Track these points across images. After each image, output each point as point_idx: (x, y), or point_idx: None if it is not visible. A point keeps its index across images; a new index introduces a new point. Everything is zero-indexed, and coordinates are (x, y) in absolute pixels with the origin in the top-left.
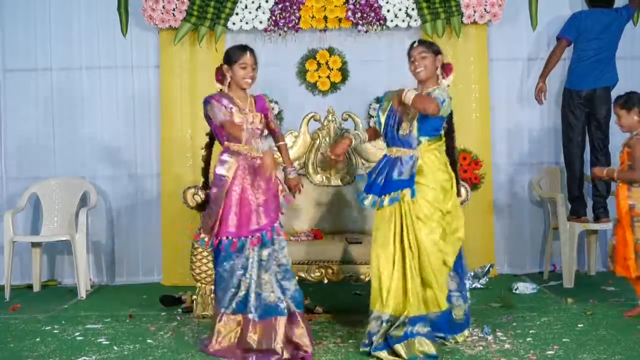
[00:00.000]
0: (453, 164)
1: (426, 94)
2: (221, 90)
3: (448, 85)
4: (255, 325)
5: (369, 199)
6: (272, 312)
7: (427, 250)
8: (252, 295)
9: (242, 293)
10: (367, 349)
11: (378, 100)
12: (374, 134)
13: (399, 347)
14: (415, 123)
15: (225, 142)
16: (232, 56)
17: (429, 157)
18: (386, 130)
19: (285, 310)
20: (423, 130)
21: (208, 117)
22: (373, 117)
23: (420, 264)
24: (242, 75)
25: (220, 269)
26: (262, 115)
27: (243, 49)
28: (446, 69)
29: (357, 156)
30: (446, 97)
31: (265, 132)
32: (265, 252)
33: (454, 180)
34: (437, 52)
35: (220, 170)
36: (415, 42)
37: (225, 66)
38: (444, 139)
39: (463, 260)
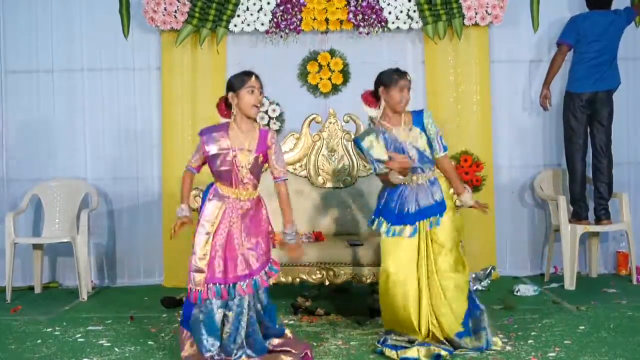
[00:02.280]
0: None
1: (413, 127)
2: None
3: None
4: None
5: (407, 229)
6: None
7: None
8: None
9: (226, 335)
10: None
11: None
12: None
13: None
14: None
15: (215, 181)
16: (236, 82)
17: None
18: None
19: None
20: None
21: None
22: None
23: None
24: (250, 100)
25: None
26: (261, 156)
27: (247, 73)
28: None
29: (358, 158)
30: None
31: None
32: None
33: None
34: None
35: (204, 218)
36: (399, 70)
37: (230, 94)
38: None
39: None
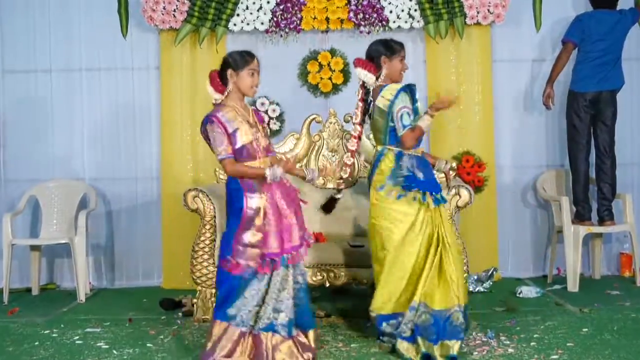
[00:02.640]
0: None
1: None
2: (221, 101)
3: None
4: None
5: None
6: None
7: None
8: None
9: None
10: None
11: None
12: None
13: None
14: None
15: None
16: (239, 61)
17: None
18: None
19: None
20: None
21: (207, 137)
22: None
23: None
24: (251, 82)
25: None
26: (263, 127)
27: (251, 54)
28: None
29: (358, 158)
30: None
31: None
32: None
33: None
34: None
35: (250, 208)
36: (401, 44)
37: (230, 71)
38: None
39: None
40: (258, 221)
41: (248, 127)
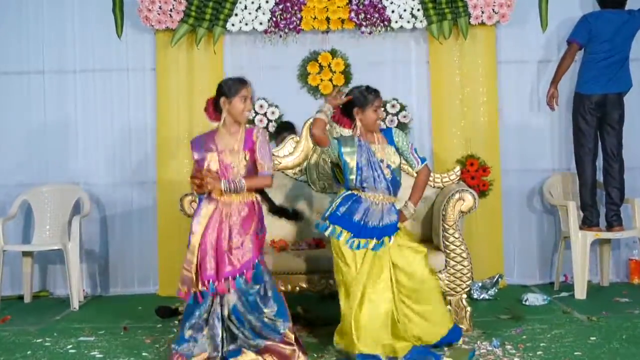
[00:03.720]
0: None
1: (384, 144)
2: (217, 127)
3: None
4: None
5: (356, 242)
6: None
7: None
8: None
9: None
10: None
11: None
12: (321, 140)
13: None
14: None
15: None
16: (231, 88)
17: None
18: (361, 175)
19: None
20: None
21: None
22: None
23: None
24: (242, 108)
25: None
26: (248, 153)
27: (243, 81)
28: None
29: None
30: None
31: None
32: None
33: None
34: None
35: (194, 224)
36: (373, 90)
37: (222, 99)
38: None
39: None
40: (199, 227)
41: (223, 156)
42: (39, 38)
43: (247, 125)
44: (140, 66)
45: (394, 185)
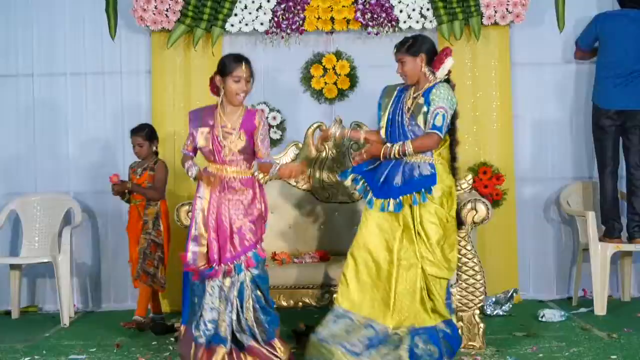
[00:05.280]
0: (453, 169)
1: (422, 100)
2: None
3: (447, 79)
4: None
5: (375, 201)
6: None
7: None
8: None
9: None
10: None
11: None
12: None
13: None
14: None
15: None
16: (225, 67)
17: (436, 164)
18: (391, 129)
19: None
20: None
21: None
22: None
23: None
24: (235, 89)
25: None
26: (243, 134)
27: (238, 59)
28: (435, 61)
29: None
30: (444, 110)
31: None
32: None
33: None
34: (417, 51)
35: (197, 193)
36: (396, 45)
37: (217, 77)
38: (448, 140)
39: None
40: (203, 202)
41: (217, 132)
42: (27, 39)
43: (250, 106)
44: (134, 69)
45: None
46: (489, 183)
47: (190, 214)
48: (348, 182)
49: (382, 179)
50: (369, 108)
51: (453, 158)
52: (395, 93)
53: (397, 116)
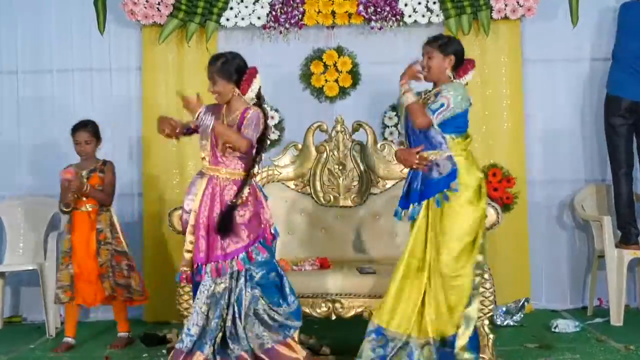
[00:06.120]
0: None
1: (435, 92)
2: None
3: (466, 83)
4: None
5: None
6: None
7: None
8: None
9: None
10: None
11: (395, 108)
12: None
13: None
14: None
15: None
16: None
17: (457, 158)
18: (408, 134)
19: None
20: (446, 127)
21: None
22: (388, 126)
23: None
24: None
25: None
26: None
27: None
28: (461, 70)
29: (370, 172)
30: (446, 100)
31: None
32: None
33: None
34: (448, 51)
35: (187, 202)
36: (428, 38)
37: None
38: (470, 137)
39: None
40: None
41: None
42: (12, 34)
43: (249, 106)
44: (124, 65)
45: (428, 143)
46: (499, 186)
47: (183, 218)
48: (404, 217)
49: (405, 187)
50: (372, 107)
51: None
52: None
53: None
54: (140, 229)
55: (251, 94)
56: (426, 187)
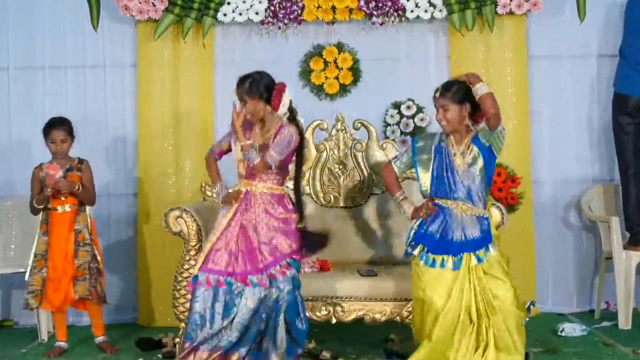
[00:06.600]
0: None
1: (482, 159)
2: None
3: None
4: None
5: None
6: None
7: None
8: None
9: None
10: None
11: (397, 106)
12: (393, 177)
13: None
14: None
15: None
16: None
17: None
18: (439, 186)
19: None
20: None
21: None
22: (390, 124)
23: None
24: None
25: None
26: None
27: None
28: (478, 115)
29: (371, 172)
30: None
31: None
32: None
33: None
34: (462, 100)
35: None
36: (438, 88)
37: None
38: None
39: None
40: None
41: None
42: (3, 30)
43: (284, 123)
44: (119, 62)
45: (472, 199)
46: (503, 186)
47: (179, 219)
48: (416, 253)
49: (439, 232)
50: (373, 105)
51: None
52: (433, 148)
53: (446, 172)
54: (134, 230)
55: (283, 109)
56: (468, 243)
